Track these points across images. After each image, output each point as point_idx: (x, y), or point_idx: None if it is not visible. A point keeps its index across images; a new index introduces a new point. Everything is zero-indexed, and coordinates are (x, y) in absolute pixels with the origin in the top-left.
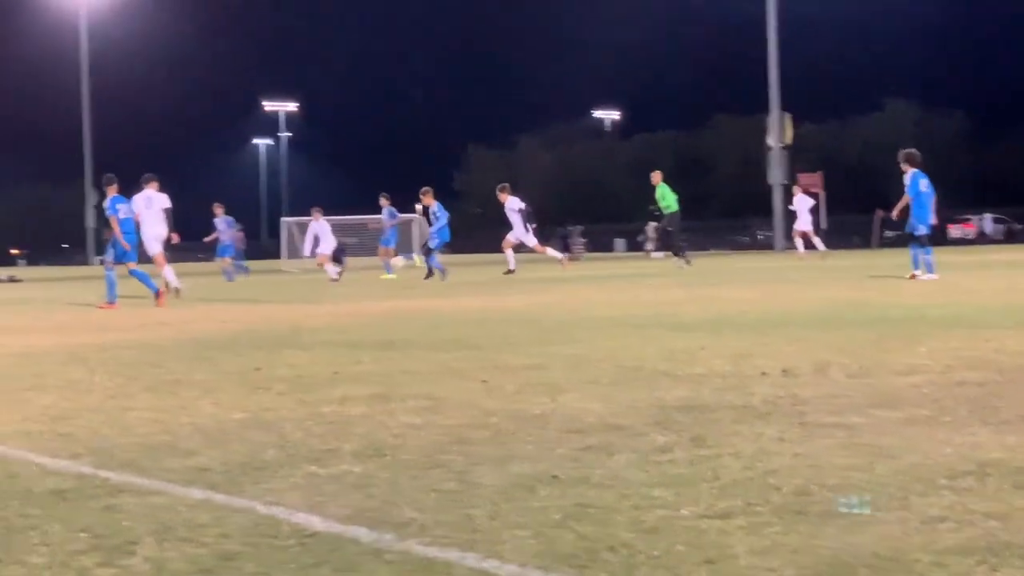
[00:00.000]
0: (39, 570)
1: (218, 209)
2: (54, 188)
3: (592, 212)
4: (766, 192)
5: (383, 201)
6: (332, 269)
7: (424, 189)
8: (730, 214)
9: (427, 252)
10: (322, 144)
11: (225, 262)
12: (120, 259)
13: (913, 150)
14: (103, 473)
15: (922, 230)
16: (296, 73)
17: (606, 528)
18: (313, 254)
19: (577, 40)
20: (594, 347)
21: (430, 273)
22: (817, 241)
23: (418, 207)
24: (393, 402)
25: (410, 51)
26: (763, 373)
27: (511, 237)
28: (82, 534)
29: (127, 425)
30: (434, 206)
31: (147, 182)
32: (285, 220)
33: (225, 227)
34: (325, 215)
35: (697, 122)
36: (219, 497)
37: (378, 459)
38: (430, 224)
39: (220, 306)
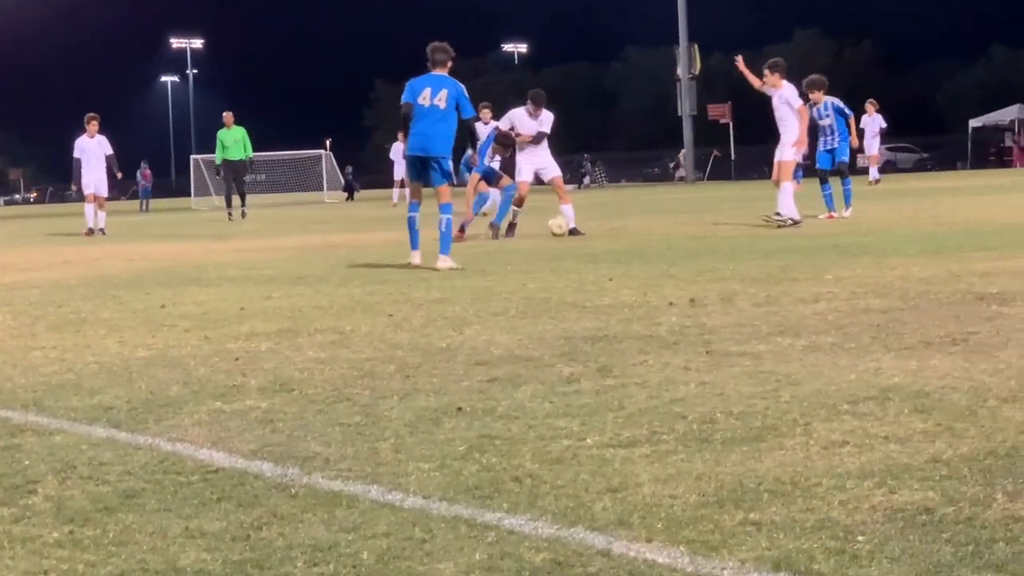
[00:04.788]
0: None
1: None
2: None
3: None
4: (676, 123)
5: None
6: None
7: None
8: (641, 146)
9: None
10: (229, 81)
11: None
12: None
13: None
14: (4, 413)
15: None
16: (202, 9)
17: (510, 459)
18: None
19: None
20: (501, 280)
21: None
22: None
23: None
24: (300, 337)
25: None
26: (671, 303)
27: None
28: None
29: (30, 364)
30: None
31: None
32: (194, 157)
33: None
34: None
35: (607, 54)
36: (122, 435)
37: (284, 394)
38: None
39: (128, 245)
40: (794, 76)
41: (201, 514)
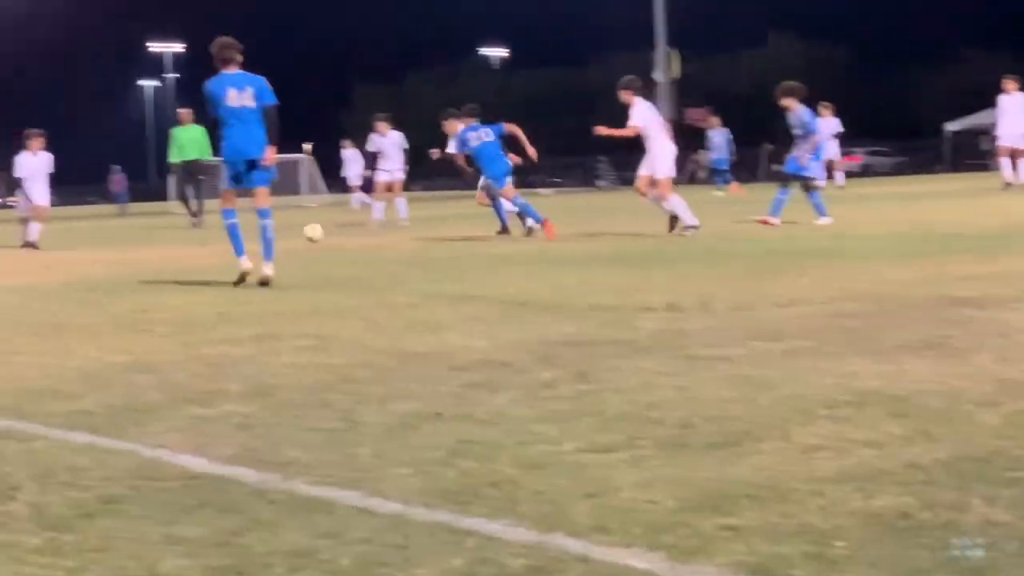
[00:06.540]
0: None
1: None
2: None
3: None
4: None
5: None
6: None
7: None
8: (616, 149)
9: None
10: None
11: None
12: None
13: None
14: None
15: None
16: (181, 13)
17: (489, 464)
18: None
19: None
20: (478, 284)
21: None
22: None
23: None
24: (278, 342)
25: None
26: (648, 307)
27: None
28: None
29: (9, 370)
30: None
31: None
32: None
33: None
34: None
35: (584, 59)
36: (102, 441)
37: (262, 399)
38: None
39: (107, 250)
40: (772, 83)
41: (181, 520)
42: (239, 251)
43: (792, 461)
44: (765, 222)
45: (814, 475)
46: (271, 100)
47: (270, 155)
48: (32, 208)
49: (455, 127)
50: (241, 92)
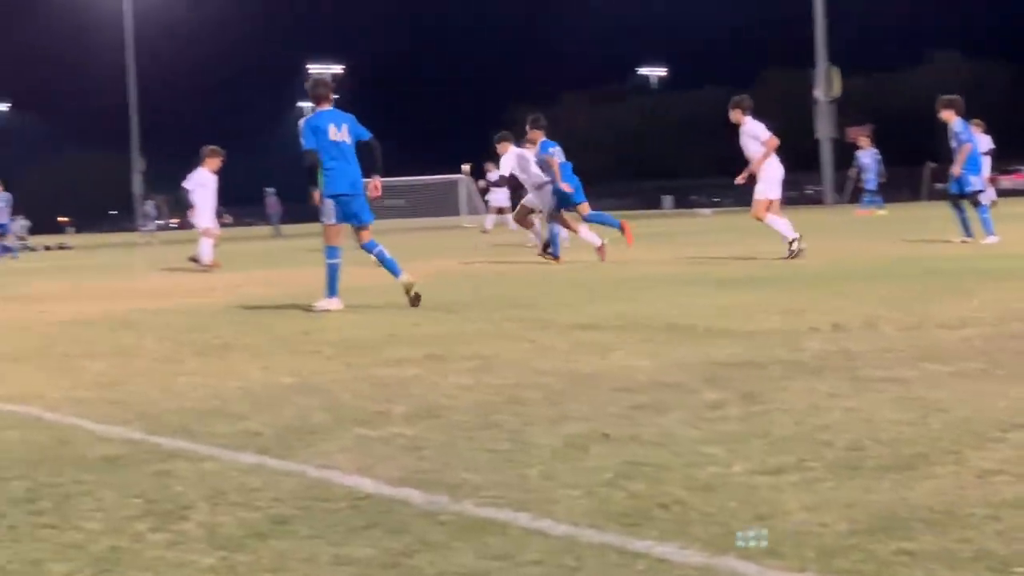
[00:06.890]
0: (95, 535)
1: None
2: (100, 154)
3: (639, 170)
4: (814, 146)
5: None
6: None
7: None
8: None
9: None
10: (368, 107)
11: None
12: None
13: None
14: (154, 439)
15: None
16: (340, 36)
17: (658, 486)
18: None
19: None
20: (643, 306)
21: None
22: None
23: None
24: (444, 363)
25: (454, 11)
26: (813, 328)
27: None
28: (136, 500)
29: (177, 390)
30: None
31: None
32: None
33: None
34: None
35: (746, 77)
36: (271, 461)
37: (430, 420)
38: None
39: (267, 270)
40: (934, 101)
41: (351, 541)
42: (333, 291)
43: (968, 485)
44: (965, 242)
45: (991, 500)
46: (367, 134)
47: (376, 185)
48: (202, 229)
49: (507, 149)
50: (339, 128)
